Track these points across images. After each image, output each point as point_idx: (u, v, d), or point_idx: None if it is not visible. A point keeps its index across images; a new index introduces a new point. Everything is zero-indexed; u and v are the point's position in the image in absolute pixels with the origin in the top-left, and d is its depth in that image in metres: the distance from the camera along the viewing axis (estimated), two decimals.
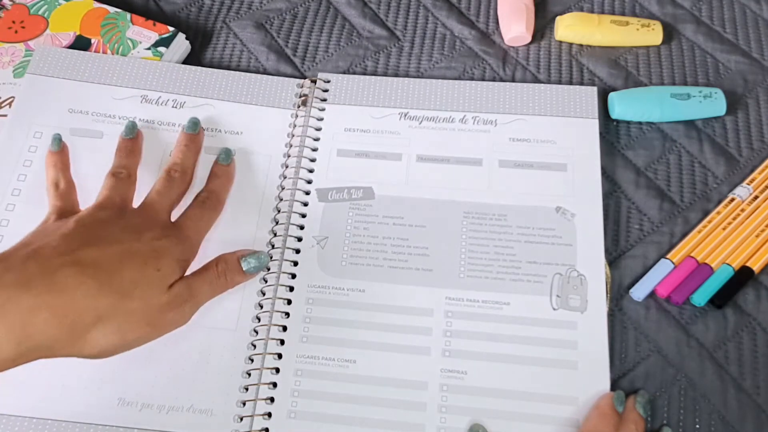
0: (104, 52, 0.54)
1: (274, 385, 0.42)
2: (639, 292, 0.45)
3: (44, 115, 0.51)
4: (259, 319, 0.44)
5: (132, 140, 0.48)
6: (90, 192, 0.47)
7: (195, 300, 0.41)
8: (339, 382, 0.42)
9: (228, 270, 0.43)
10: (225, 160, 0.48)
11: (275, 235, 0.47)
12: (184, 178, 0.46)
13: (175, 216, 0.44)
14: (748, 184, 0.49)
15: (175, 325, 0.40)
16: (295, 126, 0.51)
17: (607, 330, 0.43)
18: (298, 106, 0.52)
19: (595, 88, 0.52)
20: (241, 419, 0.41)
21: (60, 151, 0.48)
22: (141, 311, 0.37)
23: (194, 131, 0.49)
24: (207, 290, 0.42)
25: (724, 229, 0.47)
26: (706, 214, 0.48)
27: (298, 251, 0.46)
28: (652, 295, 0.45)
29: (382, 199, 0.48)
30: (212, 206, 0.46)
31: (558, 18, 0.56)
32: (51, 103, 0.51)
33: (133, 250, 0.39)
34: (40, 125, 0.50)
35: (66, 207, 0.44)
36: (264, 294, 0.45)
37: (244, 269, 0.43)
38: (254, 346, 0.44)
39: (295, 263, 0.46)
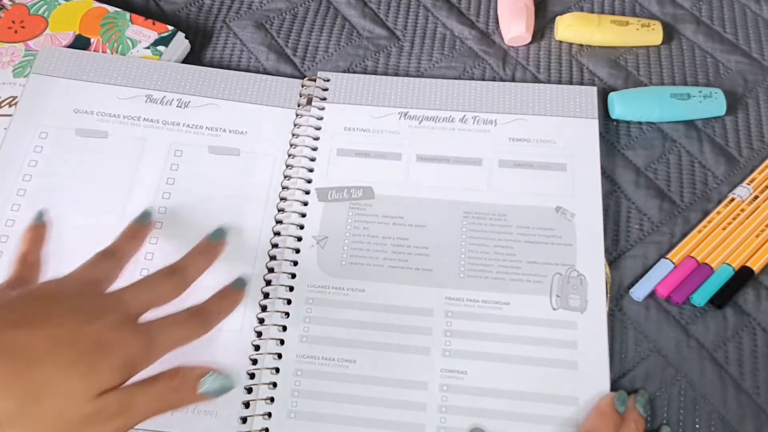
0: (103, 52, 0.54)
1: (274, 385, 0.42)
2: (639, 292, 0.45)
3: (49, 116, 0.51)
4: (260, 320, 0.44)
5: (142, 227, 0.43)
6: (92, 196, 0.48)
7: (130, 416, 0.32)
8: (339, 382, 0.42)
9: (183, 387, 0.35)
10: (240, 285, 0.42)
11: (278, 234, 0.47)
12: (182, 283, 0.39)
13: None
14: (748, 184, 0.49)
15: None
16: (297, 125, 0.51)
17: (607, 330, 0.43)
18: (301, 106, 0.52)
19: (595, 88, 0.52)
20: (244, 420, 0.41)
21: (41, 225, 0.43)
22: (50, 420, 0.30)
23: (218, 240, 0.43)
24: (151, 407, 0.34)
25: (724, 229, 0.47)
26: (706, 214, 0.48)
27: (298, 251, 0.46)
28: (652, 295, 0.45)
29: (382, 199, 0.48)
30: (198, 323, 0.38)
31: (558, 18, 0.56)
32: (56, 103, 0.51)
33: (72, 337, 0.31)
34: (45, 125, 0.50)
35: (26, 277, 0.38)
36: (265, 295, 0.45)
37: (200, 391, 0.35)
38: (255, 347, 0.43)
39: (295, 263, 0.46)
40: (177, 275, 0.39)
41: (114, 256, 0.40)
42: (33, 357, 0.30)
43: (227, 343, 0.43)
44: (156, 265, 0.45)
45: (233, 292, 0.41)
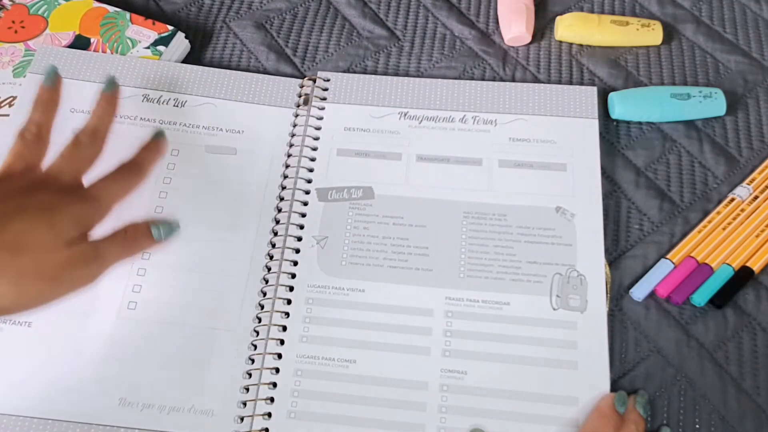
0: (103, 52, 0.54)
1: (274, 385, 0.42)
2: (639, 292, 0.45)
3: None
4: (259, 319, 0.44)
5: (52, 90, 0.46)
6: None
7: (102, 260, 0.40)
8: (339, 382, 0.42)
9: (138, 235, 0.42)
10: (159, 135, 0.47)
11: (275, 234, 0.47)
12: (94, 141, 0.45)
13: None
14: (748, 184, 0.49)
15: (82, 282, 0.39)
16: (296, 125, 0.51)
17: (607, 330, 0.43)
18: (299, 105, 0.52)
19: (595, 88, 0.52)
20: (242, 419, 0.41)
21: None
22: (35, 265, 0.37)
23: (109, 90, 0.47)
24: (115, 251, 0.41)
25: (724, 229, 0.47)
26: (706, 214, 0.48)
27: (298, 251, 0.46)
28: (652, 295, 0.45)
29: (382, 199, 0.48)
30: (133, 173, 0.45)
31: (558, 18, 0.56)
32: None
33: (22, 206, 0.38)
34: None
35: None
36: (264, 294, 0.45)
37: (153, 235, 0.42)
38: (254, 346, 0.44)
39: (295, 263, 0.46)
40: (86, 137, 0.45)
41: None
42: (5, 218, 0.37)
43: (223, 342, 0.44)
44: (153, 265, 0.46)
45: (155, 142, 0.47)
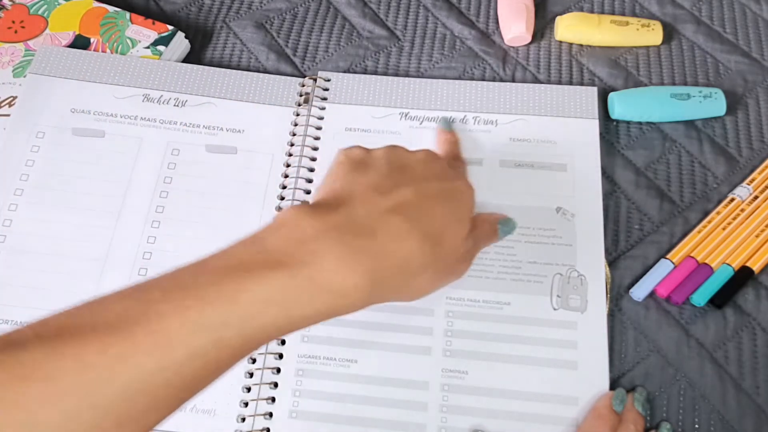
0: (103, 51, 0.54)
1: (276, 385, 0.42)
2: (639, 292, 0.45)
3: (46, 115, 0.51)
4: None
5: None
6: (89, 195, 0.48)
7: (473, 254, 0.40)
8: (340, 382, 0.42)
9: (490, 231, 0.42)
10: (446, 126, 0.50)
11: None
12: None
13: None
14: (748, 184, 0.49)
15: (458, 276, 0.39)
16: (296, 125, 0.51)
17: (607, 330, 0.44)
18: (300, 105, 0.52)
19: (595, 88, 0.52)
20: (243, 419, 0.41)
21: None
22: (447, 258, 0.36)
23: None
24: (479, 247, 0.41)
25: (724, 229, 0.47)
26: (706, 214, 0.48)
27: None
28: (652, 295, 0.45)
29: None
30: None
31: (558, 18, 0.56)
32: (53, 102, 0.51)
33: (439, 189, 0.36)
34: (42, 125, 0.50)
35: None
36: None
37: (498, 235, 0.42)
38: None
39: None
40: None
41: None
42: (424, 208, 0.35)
43: None
44: (154, 264, 0.46)
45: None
